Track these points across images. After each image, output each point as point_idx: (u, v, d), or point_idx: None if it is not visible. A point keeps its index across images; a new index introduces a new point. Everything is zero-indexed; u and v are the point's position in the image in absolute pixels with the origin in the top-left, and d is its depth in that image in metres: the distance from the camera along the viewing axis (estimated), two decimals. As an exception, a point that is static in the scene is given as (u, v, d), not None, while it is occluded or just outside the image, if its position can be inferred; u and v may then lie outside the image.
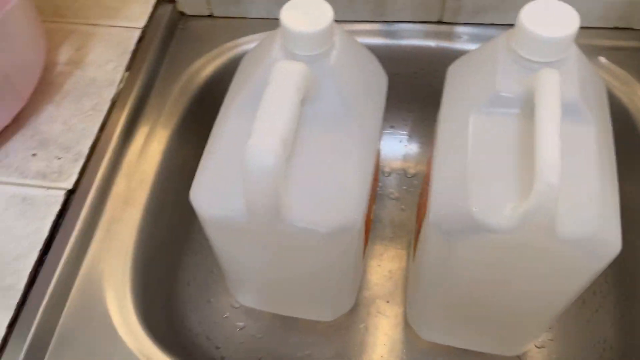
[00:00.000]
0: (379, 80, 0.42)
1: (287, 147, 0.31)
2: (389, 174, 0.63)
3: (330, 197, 0.35)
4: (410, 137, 0.64)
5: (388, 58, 0.58)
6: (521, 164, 0.32)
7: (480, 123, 0.35)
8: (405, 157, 0.64)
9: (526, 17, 0.33)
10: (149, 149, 0.48)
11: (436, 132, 0.38)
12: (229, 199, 0.34)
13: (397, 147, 0.64)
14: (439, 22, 0.55)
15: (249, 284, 0.46)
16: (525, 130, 0.33)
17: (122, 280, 0.41)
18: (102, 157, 0.45)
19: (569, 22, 0.33)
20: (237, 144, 0.33)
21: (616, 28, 0.53)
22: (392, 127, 0.64)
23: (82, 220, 0.42)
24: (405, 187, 0.62)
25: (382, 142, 0.65)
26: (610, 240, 0.31)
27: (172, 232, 0.50)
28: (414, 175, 0.62)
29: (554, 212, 0.28)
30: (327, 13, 0.36)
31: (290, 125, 0.31)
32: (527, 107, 0.33)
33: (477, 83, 0.36)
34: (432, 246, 0.36)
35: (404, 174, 0.63)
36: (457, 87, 0.39)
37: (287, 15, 0.36)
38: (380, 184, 0.62)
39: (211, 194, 0.35)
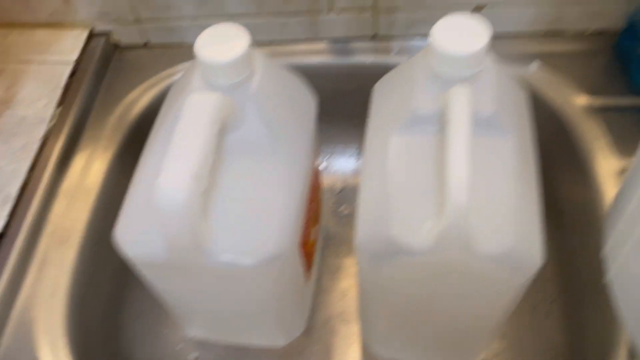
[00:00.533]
0: (307, 102, 0.42)
1: (201, 181, 0.31)
2: (341, 190, 0.63)
3: (256, 227, 0.34)
4: (360, 152, 0.64)
5: (329, 76, 0.58)
6: (438, 184, 0.31)
7: (401, 143, 0.34)
8: (357, 173, 0.64)
9: (438, 33, 0.33)
10: (84, 185, 0.47)
11: (363, 155, 0.38)
12: (150, 238, 0.33)
13: (348, 163, 0.64)
14: (375, 37, 0.55)
15: (194, 317, 0.45)
16: (443, 148, 0.33)
17: (56, 325, 0.40)
18: (32, 197, 0.44)
19: (480, 36, 0.33)
20: (150, 182, 0.32)
21: (547, 33, 0.54)
22: (341, 144, 0.64)
23: (11, 266, 0.41)
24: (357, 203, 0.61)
25: (332, 160, 0.65)
26: (530, 254, 0.31)
27: (113, 266, 0.49)
28: (364, 190, 0.62)
29: (467, 231, 0.28)
30: (243, 40, 0.35)
31: (204, 158, 0.31)
32: (444, 124, 0.33)
33: (398, 102, 0.36)
34: (363, 270, 0.36)
35: (355, 189, 0.62)
36: (380, 107, 0.39)
37: (202, 45, 0.35)
38: (331, 201, 0.62)
39: (133, 233, 0.34)
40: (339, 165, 0.64)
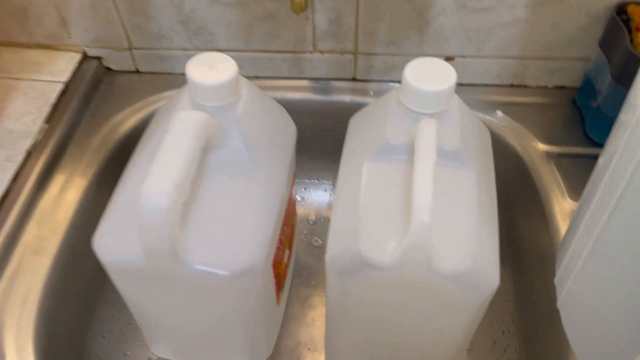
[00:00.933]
0: (287, 130, 0.45)
1: (183, 190, 0.32)
2: (314, 222, 0.65)
3: (231, 241, 0.36)
4: (335, 186, 0.66)
5: (308, 112, 0.61)
6: (405, 206, 0.34)
7: (373, 169, 0.37)
8: (330, 206, 0.66)
9: (410, 72, 0.37)
10: (65, 199, 0.48)
11: (337, 179, 0.41)
12: (129, 245, 0.35)
13: (322, 196, 0.67)
14: (353, 79, 0.59)
15: (162, 333, 0.45)
16: (410, 174, 0.35)
17: (25, 332, 0.40)
18: (12, 206, 0.45)
19: (447, 78, 0.36)
20: (133, 192, 0.34)
21: (512, 85, 0.58)
22: (317, 178, 0.67)
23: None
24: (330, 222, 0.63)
25: (307, 193, 0.67)
26: (487, 275, 0.33)
27: (86, 282, 0.49)
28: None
29: (429, 249, 0.30)
30: (231, 68, 0.38)
31: (187, 169, 0.33)
32: (413, 154, 0.36)
33: (372, 132, 0.39)
34: (332, 286, 0.37)
35: (328, 222, 0.64)
36: (355, 136, 0.42)
37: (193, 69, 0.38)
38: (305, 232, 0.64)
39: (112, 240, 0.36)
40: (314, 198, 0.66)
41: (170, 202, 0.31)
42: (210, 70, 0.38)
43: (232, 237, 0.36)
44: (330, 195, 0.66)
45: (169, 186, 0.31)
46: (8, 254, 0.43)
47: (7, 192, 0.46)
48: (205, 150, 0.37)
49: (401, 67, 0.58)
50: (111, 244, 0.36)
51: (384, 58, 0.57)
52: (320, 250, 0.62)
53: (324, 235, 0.63)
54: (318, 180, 0.67)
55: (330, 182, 0.67)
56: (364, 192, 0.36)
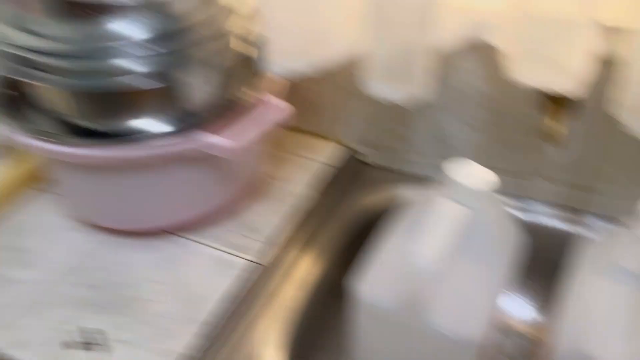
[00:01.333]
0: (515, 239, 0.52)
1: (441, 261, 0.41)
2: (511, 334, 0.68)
3: (461, 313, 0.43)
4: (537, 307, 0.69)
5: (523, 232, 0.67)
6: (633, 320, 0.38)
7: (602, 285, 0.42)
8: (529, 324, 0.68)
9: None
10: (321, 251, 0.61)
11: (563, 291, 0.46)
12: (384, 291, 0.44)
13: (522, 312, 0.69)
14: (573, 209, 0.64)
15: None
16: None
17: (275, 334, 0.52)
18: (286, 245, 0.59)
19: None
20: (397, 253, 0.44)
21: None
22: (521, 293, 0.71)
23: (255, 288, 0.55)
24: (522, 350, 0.66)
25: (510, 305, 0.70)
26: None
27: (318, 322, 0.60)
28: (532, 342, 0.66)
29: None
30: (490, 178, 0.48)
31: (447, 245, 0.42)
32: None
33: (602, 256, 0.45)
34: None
35: (524, 338, 0.67)
36: (585, 258, 0.47)
37: (456, 172, 0.48)
38: (499, 342, 0.67)
39: (370, 285, 0.46)
40: (514, 312, 0.69)
41: (434, 266, 0.40)
42: (471, 176, 0.48)
43: (464, 309, 0.44)
44: (531, 314, 0.69)
45: (436, 253, 0.41)
46: (276, 282, 0.57)
47: (284, 234, 0.60)
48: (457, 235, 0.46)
49: (626, 208, 0.62)
50: (369, 288, 0.46)
51: (610, 197, 0.61)
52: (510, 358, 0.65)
53: (516, 349, 0.66)
54: (522, 297, 0.70)
55: (533, 302, 0.70)
56: (592, 304, 0.41)
